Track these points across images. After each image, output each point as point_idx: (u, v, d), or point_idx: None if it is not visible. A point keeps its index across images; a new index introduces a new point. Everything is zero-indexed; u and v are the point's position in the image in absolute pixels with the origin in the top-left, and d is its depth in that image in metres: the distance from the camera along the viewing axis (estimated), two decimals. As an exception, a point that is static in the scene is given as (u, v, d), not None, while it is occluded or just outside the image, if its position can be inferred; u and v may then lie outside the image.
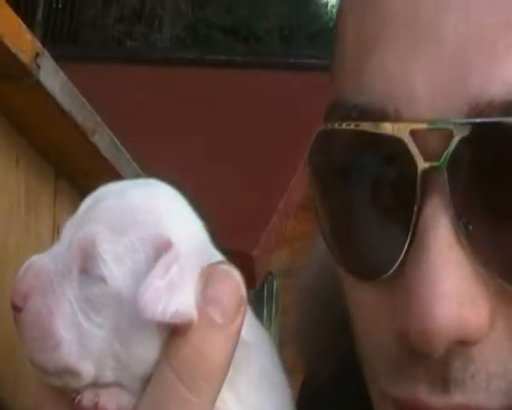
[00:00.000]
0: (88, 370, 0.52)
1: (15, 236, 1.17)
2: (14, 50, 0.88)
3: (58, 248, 0.52)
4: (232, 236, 2.03)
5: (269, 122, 2.71)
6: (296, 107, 2.45)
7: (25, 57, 0.90)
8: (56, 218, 1.29)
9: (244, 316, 0.49)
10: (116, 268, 0.49)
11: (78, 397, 0.50)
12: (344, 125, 0.45)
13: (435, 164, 0.42)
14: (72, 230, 0.52)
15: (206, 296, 0.47)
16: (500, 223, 0.42)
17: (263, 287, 3.09)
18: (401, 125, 0.43)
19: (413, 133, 0.43)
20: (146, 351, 0.51)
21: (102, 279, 0.49)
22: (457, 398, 0.44)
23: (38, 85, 0.94)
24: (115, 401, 0.50)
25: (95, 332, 0.51)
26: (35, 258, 0.52)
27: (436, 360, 0.45)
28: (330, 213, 0.50)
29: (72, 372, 0.51)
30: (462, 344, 0.43)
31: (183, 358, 0.47)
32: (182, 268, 0.48)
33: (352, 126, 0.45)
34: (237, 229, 2.09)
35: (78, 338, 0.51)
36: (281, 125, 2.63)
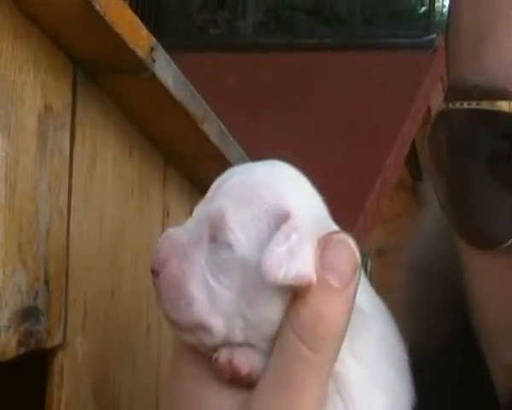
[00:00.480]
0: (218, 326, 0.58)
1: (130, 220, 1.24)
2: (131, 46, 0.94)
3: (191, 222, 0.60)
4: (331, 216, 2.07)
5: (361, 103, 2.72)
6: (388, 86, 2.45)
7: (141, 52, 0.96)
8: (166, 202, 1.36)
9: (359, 281, 0.54)
10: (241, 236, 0.57)
11: (215, 354, 0.57)
12: (465, 105, 0.49)
13: None
14: (203, 206, 0.59)
15: (323, 263, 0.54)
16: None
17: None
18: (501, 102, 0.46)
19: None
20: (270, 312, 0.57)
21: (229, 246, 0.56)
22: None
23: (153, 78, 0.99)
24: (248, 360, 0.56)
25: (223, 293, 0.58)
26: (171, 230, 0.59)
27: None
28: (451, 187, 0.55)
29: (205, 327, 0.58)
30: None
31: (304, 320, 0.52)
32: (300, 236, 0.55)
33: (474, 105, 0.49)
34: (334, 209, 2.12)
35: (208, 297, 0.58)
36: (373, 106, 2.64)
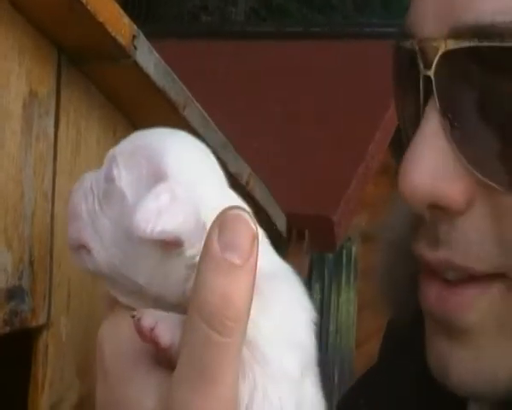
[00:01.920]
0: (97, 249, 0.63)
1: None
2: (113, 34, 0.97)
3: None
4: (312, 200, 2.10)
5: (346, 91, 2.75)
6: (373, 75, 2.49)
7: (123, 40, 0.99)
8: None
9: (257, 252, 0.53)
10: (124, 174, 0.62)
11: (138, 315, 0.57)
12: (393, 44, 0.61)
13: (428, 72, 0.55)
14: None
15: (221, 243, 0.52)
16: (477, 124, 0.53)
17: (341, 252, 3.14)
18: (414, 42, 0.56)
19: (420, 48, 0.55)
20: (141, 262, 0.59)
21: (112, 179, 0.61)
22: (443, 254, 0.56)
23: (135, 65, 1.02)
24: (170, 334, 0.56)
25: (104, 221, 0.63)
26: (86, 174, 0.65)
27: (430, 224, 0.56)
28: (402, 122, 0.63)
29: (86, 248, 0.62)
30: (445, 212, 0.54)
31: (211, 306, 0.52)
32: (173, 197, 0.58)
33: (395, 44, 0.61)
34: (317, 194, 2.16)
35: (92, 222, 0.63)
36: (358, 94, 2.67)
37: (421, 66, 0.56)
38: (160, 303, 0.60)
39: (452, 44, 0.53)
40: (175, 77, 1.10)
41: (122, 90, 1.14)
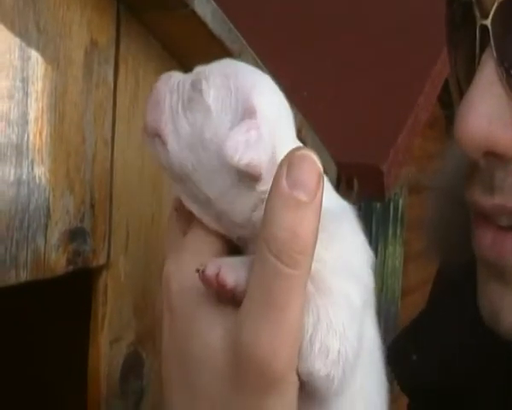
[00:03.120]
0: (172, 144, 0.67)
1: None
2: (172, -16, 1.00)
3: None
4: (362, 150, 2.12)
5: (396, 42, 2.74)
6: (423, 26, 2.47)
7: (181, -11, 1.01)
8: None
9: (323, 189, 0.56)
10: (212, 91, 0.65)
11: (202, 267, 0.60)
12: None
13: (485, 21, 0.55)
14: None
15: (289, 181, 0.55)
16: None
17: (389, 204, 3.14)
18: None
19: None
20: (215, 182, 0.63)
21: (200, 91, 0.64)
22: (498, 200, 0.58)
23: (192, 14, 1.04)
24: (234, 275, 0.59)
25: (185, 125, 0.66)
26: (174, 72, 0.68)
27: (485, 170, 0.58)
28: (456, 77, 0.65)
29: (161, 140, 0.66)
30: (501, 159, 0.56)
31: (281, 241, 0.55)
32: (259, 135, 0.61)
33: None
34: (367, 143, 2.17)
35: (172, 118, 0.66)
36: (407, 46, 2.65)
37: (478, 15, 0.57)
38: (223, 219, 0.64)
39: None
40: (231, 26, 1.13)
41: (179, 38, 1.16)
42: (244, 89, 0.64)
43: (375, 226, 3.05)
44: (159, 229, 1.28)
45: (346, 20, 3.12)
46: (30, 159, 0.97)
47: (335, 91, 2.42)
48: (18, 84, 0.94)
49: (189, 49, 1.20)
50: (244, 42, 1.18)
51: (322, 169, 0.56)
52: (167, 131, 0.66)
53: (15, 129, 0.94)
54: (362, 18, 3.12)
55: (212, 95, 0.64)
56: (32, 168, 0.98)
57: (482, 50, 0.57)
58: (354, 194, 2.35)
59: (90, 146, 1.08)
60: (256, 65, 1.28)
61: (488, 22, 0.55)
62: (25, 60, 0.94)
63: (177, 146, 0.65)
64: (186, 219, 0.69)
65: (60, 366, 1.60)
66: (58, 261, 1.02)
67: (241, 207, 0.63)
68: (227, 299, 0.60)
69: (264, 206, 0.58)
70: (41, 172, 0.99)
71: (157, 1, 1.08)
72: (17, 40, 0.92)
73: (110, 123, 1.12)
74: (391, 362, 0.93)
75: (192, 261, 0.63)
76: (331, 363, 0.58)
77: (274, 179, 0.56)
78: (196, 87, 0.65)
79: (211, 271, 0.59)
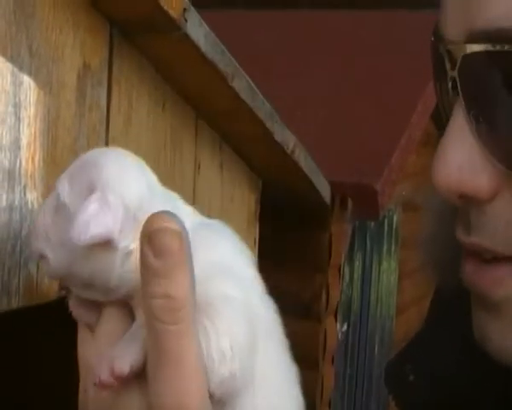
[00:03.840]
0: (51, 257, 0.68)
1: (163, 173, 1.29)
2: (165, 8, 0.99)
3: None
4: (356, 170, 2.11)
5: (388, 60, 2.74)
6: (415, 45, 2.48)
7: (174, 13, 1.01)
8: (197, 156, 1.41)
9: (185, 243, 0.59)
10: (67, 190, 0.71)
11: (96, 378, 0.62)
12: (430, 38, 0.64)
13: (453, 73, 0.58)
14: None
15: (153, 253, 0.59)
16: (499, 120, 0.57)
17: (383, 222, 3.14)
18: (442, 43, 0.59)
19: (446, 50, 0.59)
20: (85, 262, 0.67)
21: (58, 195, 0.68)
22: (474, 239, 0.60)
23: (185, 38, 1.04)
24: (128, 358, 0.63)
25: (55, 231, 0.69)
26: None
27: (463, 210, 0.61)
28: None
29: (45, 258, 0.69)
30: (474, 201, 0.59)
31: (160, 308, 0.59)
32: (101, 205, 0.65)
33: (431, 40, 0.63)
34: (361, 163, 2.17)
35: (46, 233, 0.69)
36: (400, 65, 2.66)
37: (448, 66, 0.59)
38: (108, 292, 0.67)
39: (470, 48, 0.57)
40: (224, 48, 1.13)
41: (172, 61, 1.16)
42: (87, 172, 0.69)
43: (369, 243, 3.05)
44: (152, 252, 1.27)
45: (338, 40, 3.13)
46: (22, 184, 0.96)
47: (328, 111, 2.42)
48: (10, 109, 0.93)
49: (183, 72, 1.20)
50: (237, 64, 1.18)
51: (178, 227, 0.59)
52: (43, 247, 0.70)
53: (7, 154, 0.94)
54: (354, 38, 3.13)
55: (68, 192, 0.69)
56: (25, 194, 0.97)
57: (454, 99, 0.59)
58: (348, 213, 2.36)
59: (83, 170, 1.07)
60: (250, 89, 1.28)
61: (455, 74, 0.58)
62: (17, 85, 0.94)
63: (53, 254, 0.70)
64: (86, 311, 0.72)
65: (52, 391, 1.59)
66: (51, 286, 1.01)
67: (109, 267, 0.67)
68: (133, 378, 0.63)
69: (131, 259, 0.64)
70: (33, 197, 0.98)
71: (149, 24, 1.07)
72: (9, 65, 0.92)
73: (103, 146, 1.11)
74: (388, 383, 0.93)
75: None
76: (230, 360, 0.63)
77: (140, 256, 0.59)
78: (56, 193, 0.69)
79: (105, 374, 0.62)
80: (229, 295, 0.64)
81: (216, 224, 0.71)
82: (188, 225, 0.63)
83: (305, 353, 2.52)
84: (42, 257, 0.71)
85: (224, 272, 0.66)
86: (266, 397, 0.69)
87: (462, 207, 0.61)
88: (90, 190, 0.66)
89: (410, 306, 3.64)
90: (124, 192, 0.67)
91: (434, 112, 2.71)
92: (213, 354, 0.63)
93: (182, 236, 0.59)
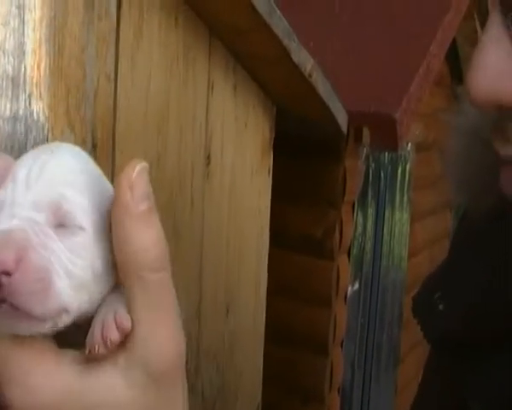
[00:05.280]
0: (76, 306, 0.62)
1: (175, 90, 1.24)
2: None
3: (19, 212, 0.60)
4: (373, 99, 2.05)
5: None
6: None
7: None
8: (210, 75, 1.35)
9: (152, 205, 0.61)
10: (86, 219, 0.59)
11: (89, 347, 0.60)
12: None
13: None
14: (23, 194, 0.61)
15: (136, 200, 0.61)
16: None
17: (396, 160, 3.09)
18: None
19: None
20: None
21: (81, 228, 0.59)
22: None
23: None
24: (120, 325, 0.61)
25: (79, 274, 0.60)
26: (6, 226, 0.60)
27: (499, 122, 0.60)
28: None
29: (68, 311, 0.60)
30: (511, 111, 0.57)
31: (143, 259, 0.61)
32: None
33: None
34: (379, 92, 2.10)
35: (69, 282, 0.59)
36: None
37: None
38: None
39: None
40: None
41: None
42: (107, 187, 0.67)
43: (382, 186, 2.99)
44: (164, 173, 1.22)
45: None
46: (27, 93, 0.90)
47: (344, 42, 2.35)
48: (14, 10, 0.87)
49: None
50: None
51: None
52: (68, 299, 0.61)
53: (11, 60, 0.88)
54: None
55: (89, 221, 0.63)
56: (30, 103, 0.91)
57: (493, 7, 0.58)
58: (363, 147, 2.30)
59: (91, 82, 1.01)
60: (268, 5, 1.21)
61: None
62: (21, -17, 0.87)
63: (77, 302, 0.62)
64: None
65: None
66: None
67: None
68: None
69: None
70: (39, 107, 0.92)
71: None
72: (12, -39, 0.86)
73: (113, 58, 1.05)
74: (416, 313, 0.90)
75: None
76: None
77: (119, 203, 0.60)
78: (69, 226, 0.62)
79: (114, 333, 0.61)
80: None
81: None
82: None
83: (317, 291, 2.49)
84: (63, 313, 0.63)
85: None
86: None
87: (499, 119, 0.60)
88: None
89: (422, 249, 3.60)
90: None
91: (449, 56, 2.67)
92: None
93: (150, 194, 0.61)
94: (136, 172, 0.61)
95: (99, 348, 0.60)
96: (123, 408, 0.62)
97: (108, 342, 0.60)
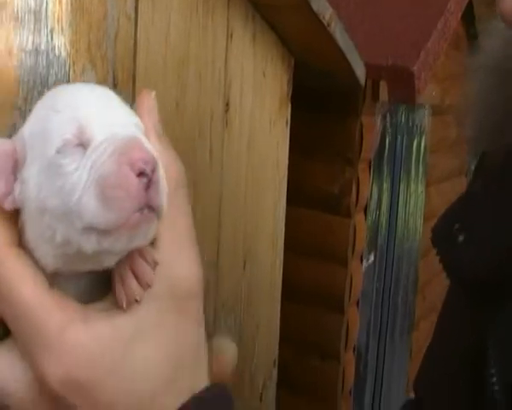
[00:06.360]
0: None
1: (194, 35, 1.24)
2: None
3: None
4: (391, 53, 2.04)
5: None
6: None
7: None
8: (230, 24, 1.35)
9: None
10: None
11: (128, 298, 0.61)
12: None
13: None
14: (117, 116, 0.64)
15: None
16: None
17: (412, 131, 3.07)
18: None
19: None
20: None
21: None
22: None
23: None
24: (150, 260, 0.62)
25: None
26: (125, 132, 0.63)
27: None
28: None
29: None
30: None
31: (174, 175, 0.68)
32: None
33: None
34: (396, 46, 2.09)
35: None
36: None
37: None
38: None
39: None
40: None
41: None
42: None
43: (398, 151, 2.97)
44: (183, 118, 1.22)
45: None
46: (49, 28, 0.90)
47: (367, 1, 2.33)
48: None
49: None
50: None
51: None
52: None
53: (32, -7, 0.88)
54: None
55: None
56: (52, 38, 0.91)
57: None
58: (379, 104, 2.29)
59: (112, 21, 1.01)
60: None
61: None
62: None
63: None
64: None
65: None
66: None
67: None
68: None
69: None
70: (61, 42, 0.92)
71: None
72: None
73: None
74: (436, 243, 0.89)
75: None
76: None
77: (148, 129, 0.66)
78: None
79: (150, 275, 0.63)
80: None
81: None
82: None
83: (333, 248, 2.49)
84: None
85: None
86: None
87: None
88: None
89: (437, 213, 3.58)
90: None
91: (465, 16, 2.64)
92: None
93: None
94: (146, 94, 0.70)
95: (139, 296, 0.61)
96: (151, 333, 0.63)
97: (146, 286, 0.61)
